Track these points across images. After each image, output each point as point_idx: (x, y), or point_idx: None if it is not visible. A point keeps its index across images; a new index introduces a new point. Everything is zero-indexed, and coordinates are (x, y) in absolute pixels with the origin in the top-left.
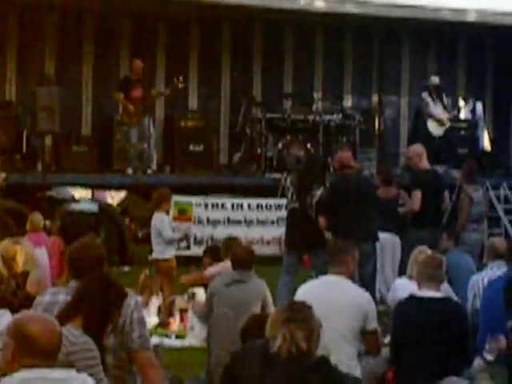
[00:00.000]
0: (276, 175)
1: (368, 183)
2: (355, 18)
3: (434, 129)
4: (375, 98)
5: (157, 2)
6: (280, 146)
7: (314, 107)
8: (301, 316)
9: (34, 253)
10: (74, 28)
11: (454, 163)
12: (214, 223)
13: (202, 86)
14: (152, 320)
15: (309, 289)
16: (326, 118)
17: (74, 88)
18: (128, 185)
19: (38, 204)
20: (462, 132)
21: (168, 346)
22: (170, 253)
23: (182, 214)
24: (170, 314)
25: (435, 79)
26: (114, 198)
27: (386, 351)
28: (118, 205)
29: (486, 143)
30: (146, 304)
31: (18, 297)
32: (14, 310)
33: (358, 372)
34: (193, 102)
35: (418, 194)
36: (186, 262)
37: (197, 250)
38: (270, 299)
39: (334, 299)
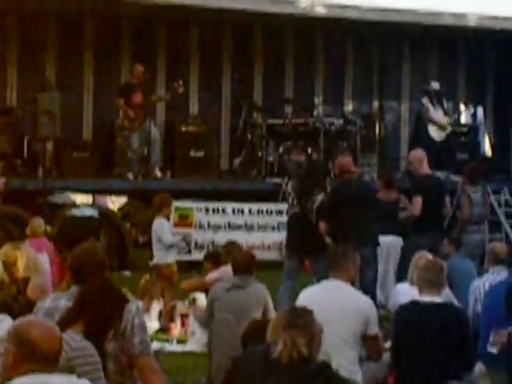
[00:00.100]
0: (277, 180)
1: (368, 188)
2: (356, 23)
3: (435, 134)
4: (376, 103)
5: (157, 7)
6: (281, 150)
7: (314, 112)
8: (302, 321)
9: (37, 258)
10: (74, 33)
11: (454, 168)
12: (215, 228)
13: (202, 90)
14: (153, 325)
15: (310, 294)
16: (327, 123)
17: (74, 93)
18: (129, 190)
19: (39, 209)
20: (463, 137)
21: (169, 351)
22: (171, 258)
23: (183, 220)
24: (171, 320)
25: (435, 84)
26: (115, 203)
27: (386, 356)
28: (118, 210)
29: (487, 148)
30: (147, 309)
31: (18, 302)
32: (14, 316)
33: (358, 377)
34: (193, 107)
35: (418, 200)
36: (186, 267)
37: (198, 255)
38: (270, 304)
39: (335, 304)
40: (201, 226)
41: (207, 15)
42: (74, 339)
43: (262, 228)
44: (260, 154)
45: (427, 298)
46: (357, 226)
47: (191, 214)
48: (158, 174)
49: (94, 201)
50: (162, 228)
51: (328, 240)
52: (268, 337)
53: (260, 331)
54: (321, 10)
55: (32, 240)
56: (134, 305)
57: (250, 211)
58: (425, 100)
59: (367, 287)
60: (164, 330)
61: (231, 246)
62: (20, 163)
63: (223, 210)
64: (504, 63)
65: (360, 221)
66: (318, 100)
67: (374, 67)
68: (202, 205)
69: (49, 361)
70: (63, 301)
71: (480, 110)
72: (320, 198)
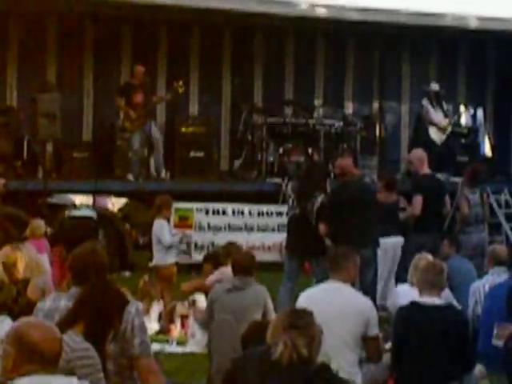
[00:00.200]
0: (277, 181)
1: (368, 190)
2: (356, 24)
3: (436, 135)
4: (376, 105)
5: (158, 9)
6: (281, 152)
7: (314, 113)
8: (302, 323)
9: (39, 259)
10: (74, 34)
11: (454, 170)
12: (215, 229)
13: (202, 92)
14: (153, 326)
15: (310, 295)
16: (327, 124)
17: (75, 94)
18: (129, 191)
19: (39, 210)
20: (463, 139)
21: (169, 352)
22: (171, 259)
23: (183, 221)
24: (171, 321)
25: (435, 86)
26: (115, 204)
27: (386, 358)
28: (118, 211)
29: (487, 149)
30: (147, 311)
31: (18, 303)
32: (14, 317)
33: (358, 379)
34: (193, 108)
35: (418, 199)
36: (186, 269)
37: (198, 257)
38: (270, 306)
39: (335, 306)
40: (201, 228)
41: (207, 16)
42: (74, 340)
43: (262, 229)
44: (260, 155)
45: (427, 300)
46: (357, 227)
47: (191, 215)
48: (163, 174)
49: (94, 202)
50: (162, 229)
51: (328, 241)
52: (268, 338)
53: (260, 332)
54: (321, 12)
55: (32, 241)
56: (134, 306)
57: (250, 212)
58: (425, 101)
59: (367, 288)
60: (164, 331)
61: (231, 247)
62: (20, 164)
63: (223, 212)
64: (504, 64)
65: (360, 222)
66: (318, 101)
67: (374, 69)
68: (202, 206)
69: (49, 362)
70: (63, 302)
71: (480, 112)
72: (320, 199)
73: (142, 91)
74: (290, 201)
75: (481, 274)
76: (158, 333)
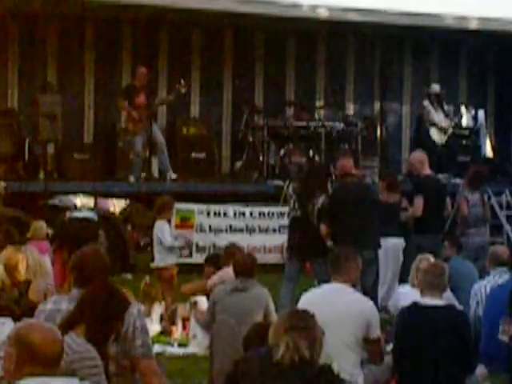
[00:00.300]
0: (278, 182)
1: (369, 191)
2: (357, 25)
3: (437, 136)
4: (377, 106)
5: (158, 10)
6: (282, 153)
7: (315, 115)
8: (304, 324)
9: (42, 261)
10: (75, 36)
11: (455, 171)
12: (216, 231)
13: (203, 93)
14: (154, 328)
15: (311, 297)
16: (328, 125)
17: (76, 96)
18: (130, 193)
19: (40, 212)
20: (464, 140)
21: (170, 354)
22: (171, 261)
23: (185, 222)
24: (173, 322)
25: (436, 87)
26: (117, 205)
27: (388, 359)
28: (120, 213)
29: (488, 150)
30: (149, 313)
31: (20, 305)
32: (16, 319)
33: (360, 380)
34: (195, 110)
35: (419, 201)
36: (188, 270)
37: (199, 258)
38: (272, 307)
39: (336, 307)
40: (202, 229)
41: (209, 18)
42: (76, 342)
43: (263, 231)
44: (261, 156)
45: (429, 301)
46: (358, 228)
47: (192, 217)
48: (173, 175)
49: (95, 204)
50: (163, 230)
51: (329, 243)
52: (270, 339)
53: (261, 334)
54: (322, 13)
55: (34, 243)
56: (136, 308)
57: (251, 214)
58: (426, 102)
59: (368, 290)
60: (165, 332)
61: (232, 248)
62: (21, 166)
63: (224, 213)
64: (505, 66)
65: (361, 223)
66: (319, 103)
67: (376, 70)
68: (204, 207)
69: (50, 364)
70: (65, 303)
71: (481, 113)
72: (321, 200)
73: (144, 93)
74: (291, 202)
75: (483, 275)
76: (159, 334)
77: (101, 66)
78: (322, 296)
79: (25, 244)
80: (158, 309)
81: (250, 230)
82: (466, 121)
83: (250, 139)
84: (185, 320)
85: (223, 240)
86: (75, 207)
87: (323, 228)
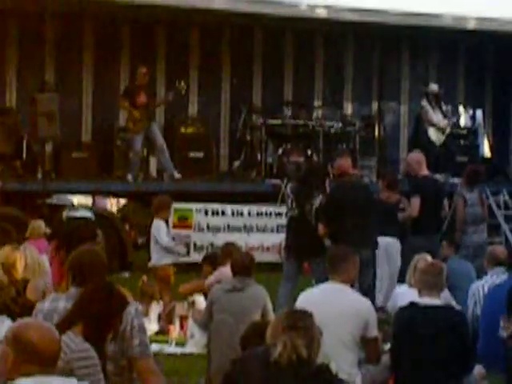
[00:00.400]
0: (276, 181)
1: (367, 190)
2: (355, 25)
3: (435, 136)
4: (375, 105)
5: (157, 9)
6: (280, 152)
7: (314, 114)
8: (301, 324)
9: (41, 259)
10: (73, 34)
11: (453, 171)
12: (214, 230)
13: (201, 92)
14: (152, 327)
15: (309, 296)
16: (326, 125)
17: (74, 94)
18: (128, 192)
19: (38, 211)
20: (462, 140)
21: (168, 353)
22: (167, 260)
23: (182, 221)
24: (170, 321)
25: (434, 87)
26: (114, 204)
27: (386, 359)
28: (118, 211)
29: (486, 150)
30: (146, 312)
31: (18, 304)
32: (13, 317)
33: (358, 380)
34: (193, 109)
35: (416, 201)
36: (185, 269)
37: (197, 257)
38: (269, 306)
39: (334, 307)
40: (200, 228)
41: (207, 17)
42: (74, 341)
43: (261, 230)
44: (259, 155)
45: (427, 300)
46: (356, 228)
47: (190, 216)
48: (176, 174)
49: (93, 202)
50: (159, 230)
51: (327, 242)
52: (267, 339)
53: (259, 334)
54: (321, 12)
55: (32, 241)
56: (134, 307)
57: (249, 213)
58: (424, 102)
59: (366, 289)
60: (163, 331)
61: (229, 247)
62: (19, 164)
63: (222, 212)
64: (503, 66)
65: (359, 223)
66: (317, 102)
67: (374, 69)
68: (202, 206)
69: (47, 363)
70: (62, 302)
71: (479, 113)
72: (319, 200)
73: (145, 92)
74: (289, 201)
75: (481, 275)
76: (157, 333)
77: (99, 65)
78: (320, 295)
79: (23, 243)
80: (155, 308)
81: (248, 229)
82: (463, 121)
83: (248, 138)
84: (182, 319)
85: (221, 239)
86: (73, 206)
87: (321, 228)
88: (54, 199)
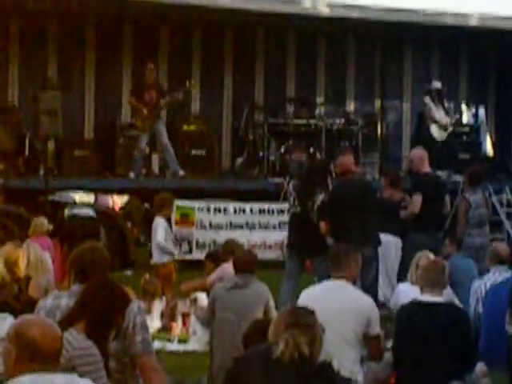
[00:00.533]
0: (278, 179)
1: (369, 188)
2: (358, 22)
3: (437, 133)
4: (378, 103)
5: (159, 7)
6: (282, 150)
7: (316, 112)
8: (303, 321)
9: (43, 257)
10: (76, 33)
11: (455, 168)
12: (217, 227)
13: (204, 90)
14: (155, 325)
15: (311, 294)
16: (329, 122)
17: (76, 92)
18: (130, 189)
19: (41, 208)
20: (464, 137)
21: (170, 350)
22: (168, 257)
23: (185, 219)
24: (172, 319)
25: (437, 83)
26: (117, 202)
27: (388, 356)
28: (120, 209)
29: (489, 148)
30: (149, 310)
31: (20, 301)
32: (16, 315)
33: (360, 377)
34: (195, 107)
35: (418, 198)
36: (188, 267)
37: (199, 255)
38: (272, 304)
39: (336, 304)
40: (202, 226)
41: (209, 15)
42: (76, 338)
43: (263, 227)
44: (262, 153)
45: (429, 298)
46: (358, 225)
47: (193, 213)
48: (181, 172)
49: (96, 200)
50: (157, 227)
51: (329, 239)
52: (270, 336)
53: (261, 331)
54: (323, 10)
55: (34, 239)
56: (136, 304)
57: (251, 210)
58: (427, 99)
59: (368, 287)
60: (165, 329)
61: (231, 244)
62: (21, 162)
63: (225, 210)
64: (506, 63)
65: (361, 221)
66: (319, 99)
67: (376, 67)
68: (204, 204)
69: (49, 360)
70: (65, 300)
71: (482, 110)
72: (321, 197)
73: (154, 90)
74: (291, 199)
75: (482, 272)
76: (159, 330)
77: (101, 63)
78: (322, 293)
79: (25, 240)
80: (158, 305)
81: (250, 227)
82: (466, 118)
83: (251, 136)
84: (185, 316)
85: (223, 236)
86: (75, 203)
87: (323, 225)
88: (57, 197)
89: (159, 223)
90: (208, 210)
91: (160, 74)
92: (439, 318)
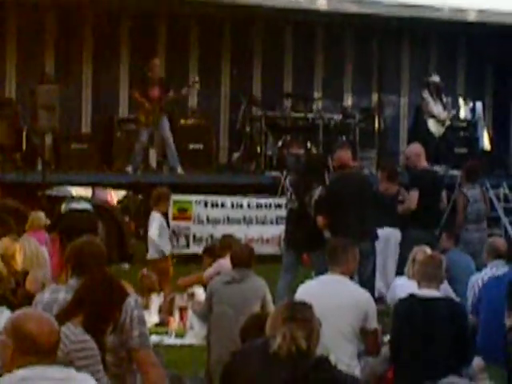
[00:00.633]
0: (275, 173)
1: (367, 182)
2: (355, 17)
3: (434, 128)
4: (375, 97)
5: (157, 2)
6: (280, 144)
7: (313, 106)
8: (301, 315)
9: (39, 251)
10: (73, 26)
11: (452, 163)
12: (214, 222)
13: (201, 84)
14: (153, 319)
15: (309, 288)
16: (326, 117)
17: (74, 86)
18: (128, 183)
19: (38, 202)
20: (462, 132)
21: (167, 344)
22: (164, 252)
23: (182, 213)
24: (170, 313)
25: (435, 77)
26: (114, 196)
27: (385, 351)
28: (118, 203)
29: (486, 143)
30: (146, 305)
31: (17, 295)
32: (13, 308)
33: (357, 371)
34: (192, 101)
35: (415, 194)
36: (185, 261)
37: (196, 249)
38: (269, 298)
39: (334, 298)
40: (199, 220)
41: (207, 9)
42: (74, 332)
43: (260, 222)
44: (259, 147)
45: (426, 292)
46: (355, 220)
47: (190, 208)
48: (180, 169)
49: (93, 194)
50: (152, 222)
51: (327, 234)
52: (267, 330)
53: (259, 325)
54: (320, 4)
55: (31, 233)
56: (133, 298)
57: (248, 205)
58: (425, 93)
59: (366, 281)
60: (163, 323)
61: (228, 239)
62: (19, 156)
63: (222, 204)
64: (503, 58)
65: (358, 215)
66: (317, 94)
67: (374, 61)
68: (201, 198)
69: (47, 353)
70: (62, 293)
71: (479, 105)
72: (318, 192)
73: (159, 86)
74: (289, 194)
75: (481, 269)
76: (156, 325)
77: (99, 57)
78: (320, 287)
79: (22, 234)
80: (156, 300)
81: (248, 221)
82: (463, 113)
83: (248, 130)
84: (182, 310)
85: (221, 231)
86: (72, 198)
87: (320, 219)
88: (54, 191)
89: (154, 218)
90: (205, 204)
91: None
92: (436, 312)
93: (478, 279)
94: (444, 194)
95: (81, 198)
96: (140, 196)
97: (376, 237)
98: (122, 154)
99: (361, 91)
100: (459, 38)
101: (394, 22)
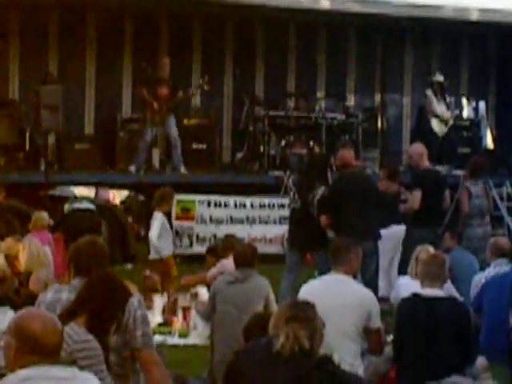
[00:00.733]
0: (279, 173)
1: (370, 181)
2: (358, 16)
3: (437, 127)
4: (378, 97)
5: (159, 1)
6: (283, 144)
7: (316, 106)
8: (304, 315)
9: (42, 251)
10: (76, 26)
11: (456, 163)
12: (217, 222)
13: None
14: (156, 320)
15: (312, 287)
16: (329, 116)
17: (77, 86)
18: (131, 183)
19: (41, 203)
20: (465, 131)
21: (171, 344)
22: (166, 252)
23: (185, 213)
24: (173, 313)
25: (439, 76)
26: (117, 196)
27: (388, 350)
28: (121, 203)
29: (489, 142)
30: (149, 306)
31: (20, 295)
32: (16, 309)
33: (360, 371)
34: (195, 101)
35: (418, 194)
36: (188, 261)
37: (199, 249)
38: (272, 297)
39: (337, 298)
40: (203, 220)
41: (209, 9)
42: (77, 332)
43: (263, 221)
44: (262, 147)
45: (429, 292)
46: (358, 219)
47: (193, 207)
48: (183, 169)
49: (96, 194)
50: (153, 222)
51: (330, 233)
52: (270, 330)
53: (262, 325)
54: (323, 4)
55: (35, 233)
56: (136, 298)
57: (252, 205)
58: (429, 92)
59: (369, 281)
60: (166, 323)
61: (230, 239)
62: (22, 156)
63: (225, 204)
64: (506, 57)
65: (361, 214)
66: (320, 94)
67: (377, 61)
68: (204, 198)
69: (50, 353)
70: (65, 293)
71: (482, 104)
72: (321, 191)
73: (167, 85)
74: (292, 193)
75: (483, 267)
76: (160, 325)
77: (102, 57)
78: (323, 287)
79: (26, 234)
80: (159, 301)
81: (251, 221)
82: (466, 112)
83: (251, 130)
84: (185, 310)
85: (224, 231)
86: (75, 198)
87: (323, 219)
88: (57, 191)
89: (156, 218)
90: (208, 204)
91: None
92: (439, 311)
93: (481, 278)
94: (447, 193)
95: (84, 198)
96: (142, 196)
97: (379, 236)
98: (125, 153)
99: (364, 91)
100: (462, 38)
101: (397, 22)
